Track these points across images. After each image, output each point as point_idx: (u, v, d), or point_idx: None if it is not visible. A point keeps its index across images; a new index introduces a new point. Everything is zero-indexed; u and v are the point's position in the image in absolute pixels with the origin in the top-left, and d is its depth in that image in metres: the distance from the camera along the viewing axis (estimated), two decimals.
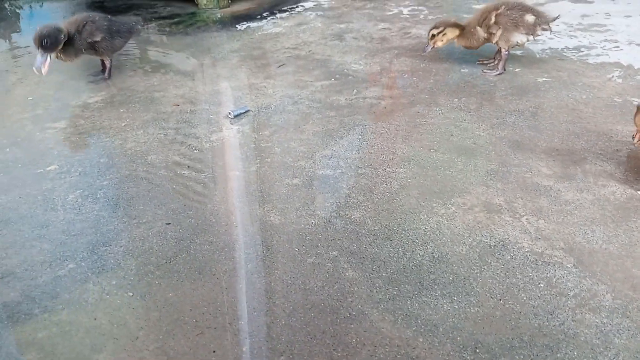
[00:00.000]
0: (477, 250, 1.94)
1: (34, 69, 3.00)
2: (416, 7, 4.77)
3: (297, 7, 4.92)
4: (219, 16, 4.76)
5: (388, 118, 2.90)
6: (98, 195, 2.32)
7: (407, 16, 4.55)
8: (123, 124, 2.92)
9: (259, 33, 4.28)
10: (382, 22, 4.41)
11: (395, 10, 4.71)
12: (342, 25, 4.37)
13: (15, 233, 2.11)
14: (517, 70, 3.41)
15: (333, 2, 5.03)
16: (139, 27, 3.62)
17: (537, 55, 3.62)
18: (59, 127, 2.92)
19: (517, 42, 3.27)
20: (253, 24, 4.49)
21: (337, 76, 3.44)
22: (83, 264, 1.93)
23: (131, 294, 1.80)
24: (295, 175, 2.42)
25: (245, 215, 2.16)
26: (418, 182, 2.33)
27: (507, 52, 3.34)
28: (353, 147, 2.63)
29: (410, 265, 1.88)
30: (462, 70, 3.44)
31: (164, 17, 4.77)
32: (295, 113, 2.99)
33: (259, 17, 4.68)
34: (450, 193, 2.26)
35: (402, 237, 2.01)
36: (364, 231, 2.05)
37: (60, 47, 3.10)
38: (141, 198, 2.29)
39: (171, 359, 1.58)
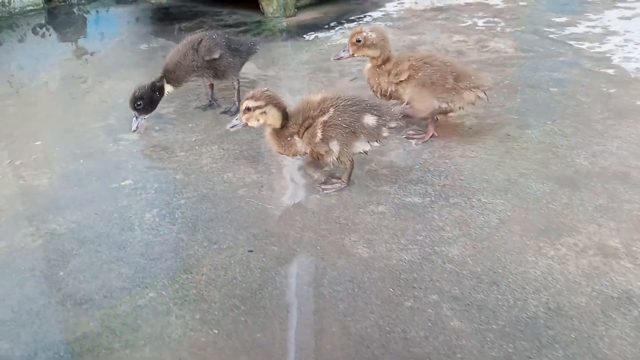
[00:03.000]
0: (599, 302, 1.71)
1: (131, 130, 2.81)
2: (491, 19, 4.51)
3: (365, 16, 4.76)
4: (285, 25, 4.66)
5: (475, 140, 2.68)
6: (176, 215, 2.21)
7: (483, 28, 4.31)
8: (195, 139, 2.83)
9: (328, 44, 4.14)
10: (456, 34, 4.19)
11: (469, 22, 4.47)
12: (414, 37, 4.18)
13: (92, 254, 2.02)
14: (611, 91, 3.12)
15: (402, 12, 4.84)
16: (257, 48, 3.17)
17: (632, 75, 3.31)
18: (132, 139, 2.86)
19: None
20: (321, 34, 4.36)
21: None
22: (164, 293, 1.82)
23: (216, 331, 1.66)
24: (380, 202, 2.25)
25: (331, 246, 2.00)
26: (519, 217, 2.11)
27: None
28: (440, 172, 2.43)
29: (524, 316, 1.67)
30: (551, 89, 3.19)
31: (230, 26, 4.71)
32: None
33: (327, 27, 4.54)
34: (557, 231, 2.02)
35: (509, 281, 1.80)
36: (465, 272, 1.85)
37: (156, 108, 2.84)
38: (220, 220, 2.17)
39: None
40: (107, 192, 2.40)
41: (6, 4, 5.26)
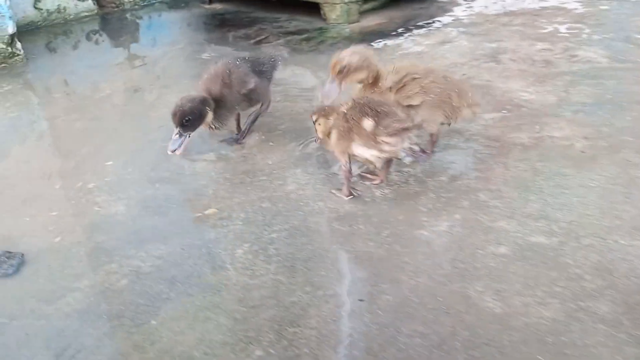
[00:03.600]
0: None
1: (168, 151, 2.46)
2: (574, 25, 4.16)
3: (434, 22, 4.47)
4: (349, 32, 4.41)
5: (591, 166, 2.38)
6: (270, 252, 1.99)
7: (567, 35, 3.97)
8: (275, 159, 2.61)
9: (399, 52, 3.88)
10: (539, 42, 3.86)
11: (550, 28, 4.13)
12: (492, 45, 3.87)
13: (184, 298, 1.82)
14: None
15: (473, 17, 4.53)
16: (279, 62, 2.88)
17: None
18: (208, 159, 2.65)
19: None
20: (389, 42, 4.09)
21: (508, 107, 2.96)
22: (272, 351, 1.59)
23: None
24: (500, 242, 1.98)
25: (453, 296, 1.75)
26: None
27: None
28: (562, 205, 2.14)
29: None
30: None
31: (291, 33, 4.49)
32: (471, 154, 2.54)
33: (394, 33, 4.27)
34: None
35: None
36: (622, 336, 1.57)
37: (204, 122, 2.50)
38: (319, 260, 1.94)
39: None
40: (190, 222, 2.20)
41: (62, 10, 5.18)
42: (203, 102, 2.47)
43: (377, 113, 2.07)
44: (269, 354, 1.59)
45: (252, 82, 2.62)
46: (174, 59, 4.17)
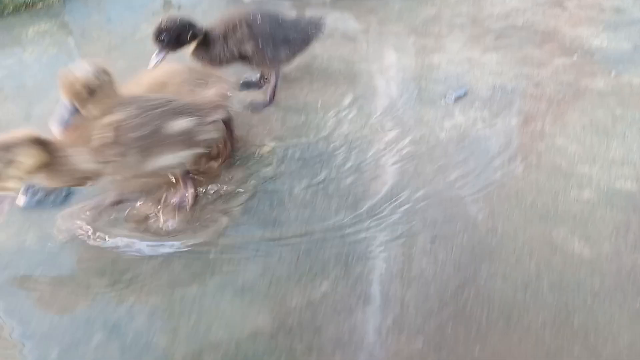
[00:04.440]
0: None
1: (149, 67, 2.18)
2: None
3: None
4: None
5: None
6: (329, 190, 1.87)
7: None
8: (324, 101, 2.44)
9: None
10: None
11: None
12: None
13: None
14: None
15: None
16: (321, 31, 2.45)
17: None
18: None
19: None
20: None
21: (579, 52, 2.73)
22: (339, 283, 1.49)
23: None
24: (582, 187, 1.81)
25: (536, 240, 1.60)
26: None
27: None
28: None
29: None
30: None
31: None
32: (543, 98, 2.34)
33: None
34: None
35: None
36: None
37: (181, 48, 2.22)
38: (384, 198, 1.82)
39: None
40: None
41: None
42: (187, 25, 2.20)
43: None
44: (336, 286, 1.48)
45: (251, 47, 2.28)
46: (214, 2, 4.00)
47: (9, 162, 1.47)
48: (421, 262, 1.55)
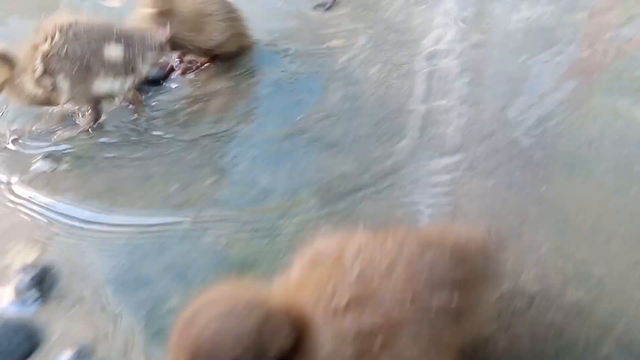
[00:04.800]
0: None
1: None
2: None
3: None
4: None
5: None
6: (402, 71, 2.03)
7: None
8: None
9: None
10: None
11: None
12: None
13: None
14: None
15: None
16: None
17: None
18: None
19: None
20: None
21: None
22: (416, 141, 1.68)
23: (494, 180, 1.49)
24: None
25: (600, 107, 1.73)
26: None
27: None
28: None
29: None
30: None
31: None
32: None
33: None
34: None
35: None
36: None
37: None
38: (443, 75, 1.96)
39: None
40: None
41: None
42: None
43: None
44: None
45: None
46: None
47: None
48: (492, 124, 1.71)
